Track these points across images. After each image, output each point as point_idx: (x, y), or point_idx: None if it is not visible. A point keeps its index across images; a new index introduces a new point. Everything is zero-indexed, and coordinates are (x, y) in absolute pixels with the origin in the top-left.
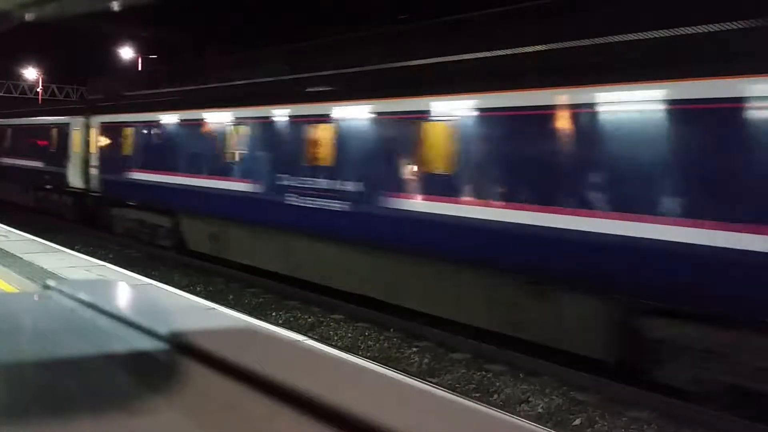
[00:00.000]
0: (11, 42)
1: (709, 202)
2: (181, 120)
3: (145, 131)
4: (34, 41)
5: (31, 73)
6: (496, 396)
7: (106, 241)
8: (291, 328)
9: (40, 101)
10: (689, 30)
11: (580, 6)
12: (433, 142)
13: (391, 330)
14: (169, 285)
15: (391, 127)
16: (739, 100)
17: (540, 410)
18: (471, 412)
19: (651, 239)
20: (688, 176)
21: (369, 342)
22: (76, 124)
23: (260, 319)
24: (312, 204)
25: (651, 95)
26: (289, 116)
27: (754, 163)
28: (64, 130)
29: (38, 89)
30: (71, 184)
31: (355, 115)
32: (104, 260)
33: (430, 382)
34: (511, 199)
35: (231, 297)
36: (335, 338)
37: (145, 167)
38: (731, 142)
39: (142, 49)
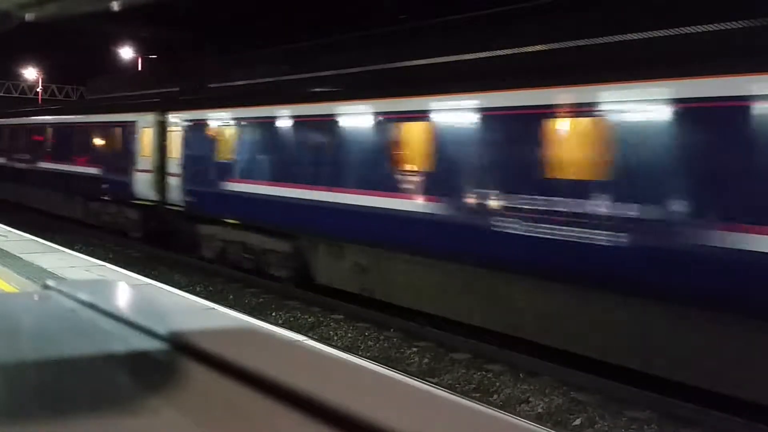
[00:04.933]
0: (11, 42)
1: None
2: (313, 116)
3: (255, 131)
4: (34, 41)
5: (30, 73)
6: (496, 396)
7: (105, 241)
8: (291, 328)
9: (39, 101)
10: None
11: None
12: None
13: (391, 330)
14: (169, 285)
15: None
16: None
17: (540, 410)
18: (471, 412)
19: None
20: None
21: (369, 342)
22: (146, 123)
23: (260, 319)
24: (562, 235)
25: None
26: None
27: None
28: (128, 130)
29: (38, 89)
30: (139, 195)
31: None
32: (104, 260)
33: (430, 382)
34: None
35: (231, 297)
36: (335, 338)
37: (254, 176)
38: None
39: (142, 49)
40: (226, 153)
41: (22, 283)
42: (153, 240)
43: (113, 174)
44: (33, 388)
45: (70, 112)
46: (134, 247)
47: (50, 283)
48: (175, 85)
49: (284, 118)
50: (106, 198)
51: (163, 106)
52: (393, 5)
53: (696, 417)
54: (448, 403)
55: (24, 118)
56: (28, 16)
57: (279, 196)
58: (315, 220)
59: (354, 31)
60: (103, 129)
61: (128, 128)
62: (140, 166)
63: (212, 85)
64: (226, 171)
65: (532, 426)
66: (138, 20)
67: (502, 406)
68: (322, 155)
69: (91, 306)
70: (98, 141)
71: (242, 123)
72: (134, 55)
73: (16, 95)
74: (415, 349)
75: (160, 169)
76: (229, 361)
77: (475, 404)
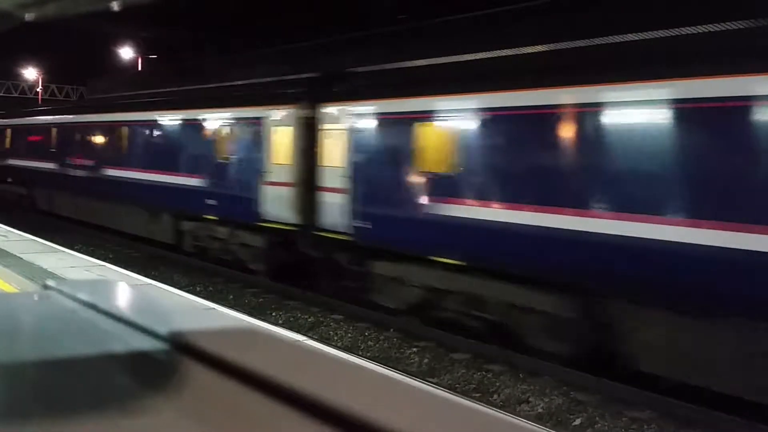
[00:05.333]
0: (11, 42)
1: None
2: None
3: (521, 128)
4: (34, 41)
5: (31, 73)
6: (496, 396)
7: (105, 241)
8: (291, 328)
9: (39, 101)
10: None
11: None
12: None
13: (391, 330)
14: (169, 285)
15: None
16: None
17: (540, 410)
18: (471, 412)
19: None
20: None
21: (369, 342)
22: (282, 119)
23: (260, 319)
24: None
25: None
26: None
27: None
28: (250, 129)
29: (38, 89)
30: (267, 216)
31: None
32: (104, 260)
33: (430, 382)
34: None
35: (231, 297)
36: (335, 338)
37: (505, 197)
38: None
39: (142, 49)
40: (446, 161)
41: (22, 283)
42: (285, 276)
43: (226, 187)
44: (33, 388)
45: (154, 108)
46: (134, 247)
47: (50, 283)
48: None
49: (617, 107)
50: (212, 218)
51: (314, 95)
52: None
53: (696, 417)
54: (448, 403)
55: (88, 115)
56: (28, 16)
57: (567, 230)
58: (659, 273)
59: None
60: (209, 128)
61: (250, 127)
62: (272, 177)
63: (404, 65)
64: (445, 188)
65: (532, 426)
66: (138, 20)
67: (502, 406)
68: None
69: (91, 306)
70: (201, 143)
71: (488, 116)
72: (134, 55)
73: (16, 95)
74: (415, 349)
75: (306, 181)
76: (229, 361)
77: (475, 404)
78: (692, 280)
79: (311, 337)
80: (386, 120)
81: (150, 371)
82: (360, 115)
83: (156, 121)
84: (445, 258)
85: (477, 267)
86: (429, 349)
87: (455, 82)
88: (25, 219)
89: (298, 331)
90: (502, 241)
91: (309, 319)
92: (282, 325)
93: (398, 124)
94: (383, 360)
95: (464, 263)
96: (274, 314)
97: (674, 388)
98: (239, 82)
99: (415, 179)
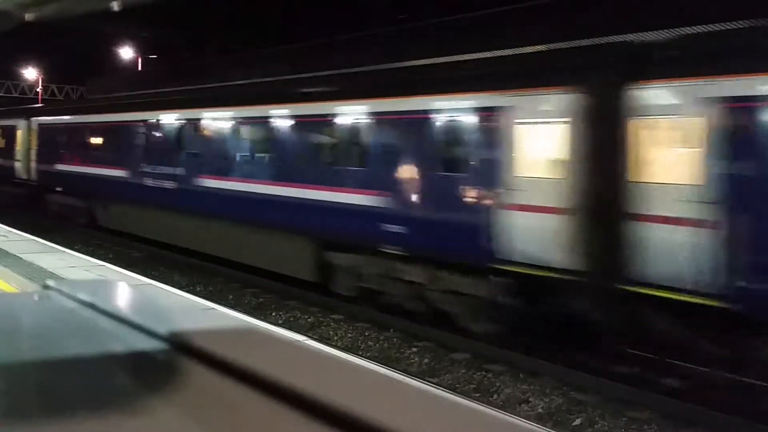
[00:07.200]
0: (11, 42)
1: None
2: None
3: None
4: (34, 41)
5: (30, 73)
6: (496, 396)
7: (105, 241)
8: (291, 328)
9: (39, 101)
10: None
11: None
12: None
13: (391, 330)
14: (169, 285)
15: None
16: None
17: (540, 410)
18: (471, 412)
19: None
20: None
21: (369, 342)
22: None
23: (260, 319)
24: None
25: None
26: None
27: None
28: None
29: (38, 89)
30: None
31: None
32: (104, 260)
33: (430, 382)
34: None
35: (231, 297)
36: (335, 338)
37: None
38: None
39: (142, 49)
40: None
41: (23, 283)
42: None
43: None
44: (33, 388)
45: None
46: (134, 247)
47: (50, 283)
48: None
49: None
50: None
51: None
52: None
53: (696, 417)
54: (448, 403)
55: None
56: (28, 16)
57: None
58: None
59: None
60: None
61: None
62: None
63: None
64: None
65: (532, 426)
66: (138, 20)
67: (502, 406)
68: None
69: (91, 306)
70: None
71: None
72: (134, 55)
73: (16, 95)
74: (415, 349)
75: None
76: (229, 361)
77: (475, 404)
78: None
79: (311, 337)
80: None
81: (150, 371)
82: None
83: None
84: None
85: None
86: (429, 349)
87: None
88: (25, 219)
89: (298, 331)
90: None
91: (309, 319)
92: (282, 325)
93: None
94: (383, 360)
95: None
96: (274, 314)
97: (674, 387)
98: None
99: None
